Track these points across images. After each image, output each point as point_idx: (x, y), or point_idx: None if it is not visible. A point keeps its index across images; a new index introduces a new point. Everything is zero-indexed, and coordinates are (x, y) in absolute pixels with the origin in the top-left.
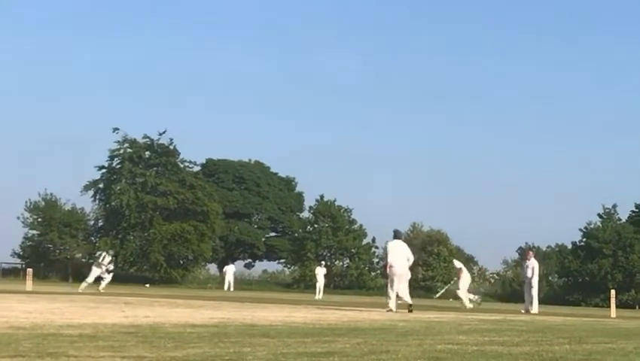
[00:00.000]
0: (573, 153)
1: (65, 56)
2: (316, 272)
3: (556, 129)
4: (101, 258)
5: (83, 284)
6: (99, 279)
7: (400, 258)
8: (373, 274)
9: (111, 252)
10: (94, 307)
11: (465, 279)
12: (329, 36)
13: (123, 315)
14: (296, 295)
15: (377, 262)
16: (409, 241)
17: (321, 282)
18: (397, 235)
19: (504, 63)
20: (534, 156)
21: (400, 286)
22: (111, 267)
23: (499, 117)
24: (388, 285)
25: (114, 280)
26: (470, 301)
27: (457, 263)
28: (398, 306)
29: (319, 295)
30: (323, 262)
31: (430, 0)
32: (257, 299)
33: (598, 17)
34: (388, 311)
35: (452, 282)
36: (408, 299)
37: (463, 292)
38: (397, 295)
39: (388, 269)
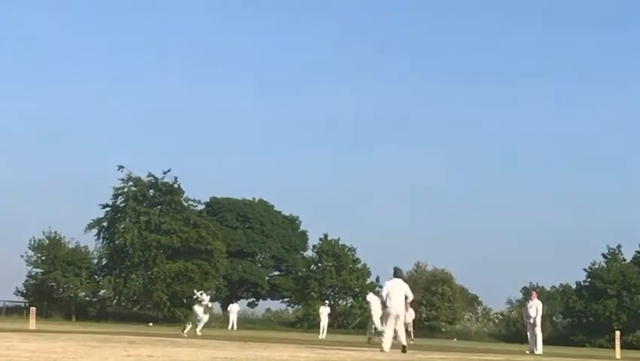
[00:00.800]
0: (578, 193)
1: (72, 94)
2: (320, 311)
3: (561, 169)
4: (201, 297)
5: (189, 326)
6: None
7: (397, 297)
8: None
9: (209, 292)
10: (97, 346)
11: (376, 310)
12: (331, 77)
13: (126, 354)
14: (299, 334)
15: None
16: (413, 280)
17: (324, 321)
18: (396, 273)
19: (505, 102)
20: (540, 196)
21: (397, 325)
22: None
23: (503, 156)
24: (384, 324)
25: (117, 320)
26: (370, 332)
27: (368, 297)
28: (393, 346)
29: (323, 334)
30: (327, 302)
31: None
32: (260, 338)
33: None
34: (381, 351)
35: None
36: (403, 340)
37: (377, 322)
38: (394, 335)
39: (384, 308)
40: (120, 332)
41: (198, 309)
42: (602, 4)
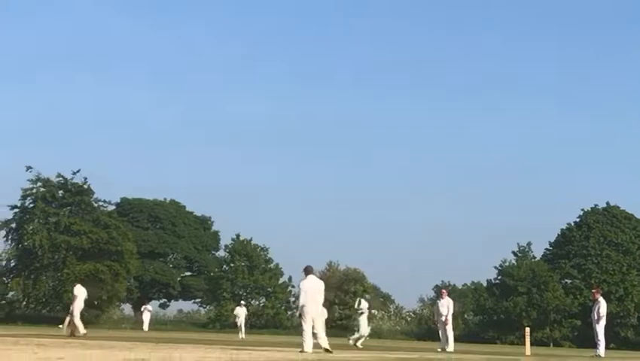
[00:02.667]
0: (489, 192)
1: None
2: (236, 312)
3: (472, 169)
4: (359, 305)
5: (356, 335)
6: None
7: (314, 297)
8: (289, 313)
9: (367, 296)
10: (5, 348)
11: (78, 303)
12: (235, 82)
13: (35, 357)
14: (212, 335)
15: (294, 301)
16: (325, 280)
17: (242, 321)
18: (309, 271)
19: (417, 103)
20: (451, 195)
21: (317, 325)
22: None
23: (415, 155)
24: (303, 325)
25: (26, 322)
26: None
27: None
28: (314, 345)
29: (242, 334)
30: (243, 302)
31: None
32: (172, 339)
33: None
34: (301, 352)
35: None
36: (325, 343)
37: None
38: (314, 335)
39: (301, 309)
40: (29, 334)
41: (363, 319)
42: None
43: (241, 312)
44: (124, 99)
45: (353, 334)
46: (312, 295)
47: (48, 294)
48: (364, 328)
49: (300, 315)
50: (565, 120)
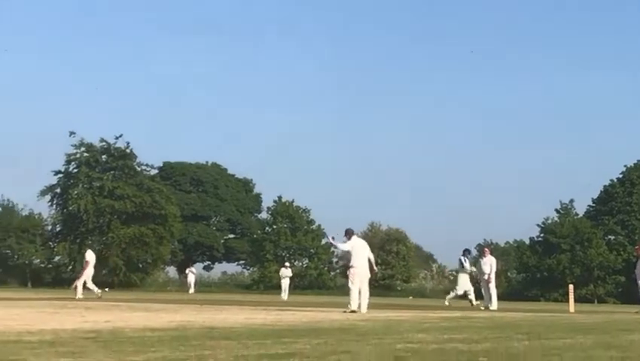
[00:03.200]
0: (531, 149)
1: (23, 59)
2: (281, 273)
3: (514, 127)
4: (465, 261)
5: (452, 294)
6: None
7: (362, 258)
8: (332, 273)
9: (469, 255)
10: (54, 312)
11: (90, 269)
12: (276, 31)
13: (82, 320)
14: (256, 296)
15: (336, 262)
16: (368, 240)
17: (286, 283)
18: (351, 233)
19: (461, 63)
20: (493, 153)
21: (363, 286)
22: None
23: (455, 114)
24: (351, 285)
25: (71, 284)
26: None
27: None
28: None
29: (285, 295)
30: (287, 263)
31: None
32: (216, 301)
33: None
34: (350, 312)
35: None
36: (365, 305)
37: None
38: (359, 296)
39: (350, 270)
40: (76, 298)
41: (463, 277)
42: None
43: (286, 273)
44: (164, 60)
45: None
46: (360, 256)
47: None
48: (462, 286)
49: (347, 275)
50: (610, 74)
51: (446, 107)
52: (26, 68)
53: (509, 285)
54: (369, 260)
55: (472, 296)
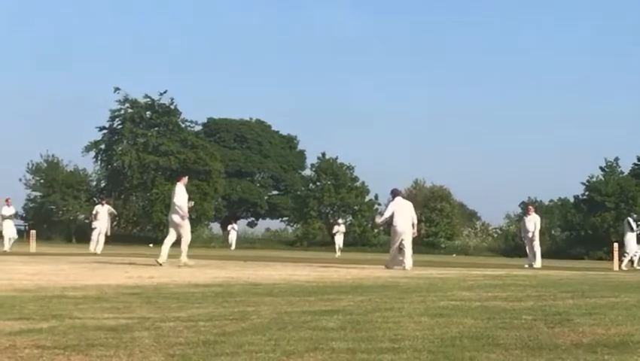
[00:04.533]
0: (575, 106)
1: (65, 17)
2: (334, 230)
3: (558, 83)
4: (629, 225)
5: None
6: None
7: (405, 218)
8: (375, 230)
9: (634, 215)
10: (98, 268)
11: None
12: None
13: (126, 276)
14: (299, 253)
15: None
16: (412, 198)
17: (340, 239)
18: (397, 194)
19: (503, 20)
20: (536, 111)
21: (406, 244)
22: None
23: (500, 72)
24: (392, 244)
25: (116, 241)
26: None
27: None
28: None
29: (339, 252)
30: (341, 220)
31: None
32: (260, 257)
33: None
34: (386, 268)
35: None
36: (407, 262)
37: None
38: (402, 253)
39: (393, 228)
40: (120, 254)
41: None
42: None
43: (341, 230)
44: (208, 15)
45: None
46: (401, 215)
47: (138, 213)
48: (633, 247)
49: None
50: None
51: (487, 65)
52: (71, 26)
53: (553, 243)
54: (412, 220)
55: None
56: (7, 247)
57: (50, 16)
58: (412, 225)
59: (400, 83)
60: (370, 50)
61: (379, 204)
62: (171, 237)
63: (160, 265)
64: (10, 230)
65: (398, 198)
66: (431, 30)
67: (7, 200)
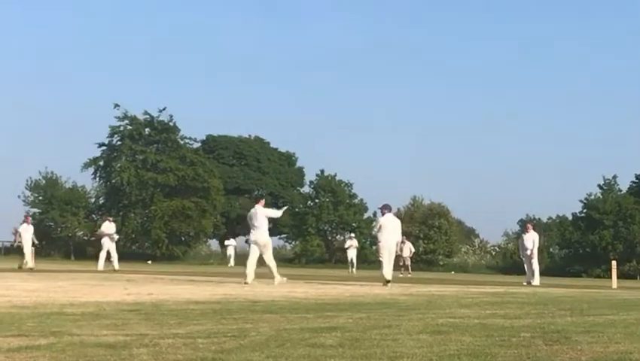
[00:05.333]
0: (573, 124)
1: (65, 33)
2: (347, 245)
3: (556, 100)
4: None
5: None
6: None
7: (388, 233)
8: (374, 248)
9: None
10: (97, 285)
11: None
12: (328, 8)
13: (125, 293)
14: (297, 270)
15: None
16: (410, 215)
17: (353, 254)
18: (388, 209)
19: (501, 33)
20: (535, 128)
21: (391, 259)
22: None
23: (498, 89)
24: (381, 258)
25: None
26: None
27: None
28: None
29: (353, 269)
30: (353, 235)
31: None
32: (258, 275)
33: None
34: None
35: None
36: (389, 275)
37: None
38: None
39: (380, 243)
40: (119, 271)
41: None
42: None
43: (351, 245)
44: (206, 33)
45: None
46: (387, 231)
47: (137, 230)
48: None
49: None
50: None
51: (486, 80)
52: (71, 42)
53: (551, 260)
54: (396, 239)
55: None
56: (31, 263)
57: (50, 31)
58: (396, 243)
59: (399, 100)
60: (368, 66)
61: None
62: (254, 257)
63: (247, 283)
64: (29, 247)
65: (387, 215)
66: (429, 47)
67: (26, 218)
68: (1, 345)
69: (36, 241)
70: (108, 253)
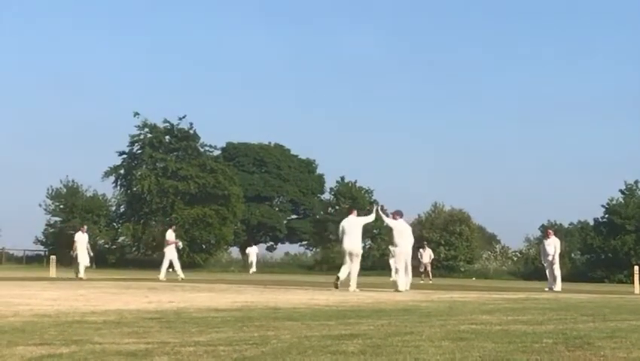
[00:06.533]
0: (594, 129)
1: (85, 41)
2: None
3: (577, 105)
4: None
5: None
6: None
7: (405, 238)
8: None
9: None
10: (118, 293)
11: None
12: (347, 16)
13: (146, 301)
14: (319, 277)
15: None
16: (430, 221)
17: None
18: (399, 215)
19: (521, 41)
20: (556, 133)
21: (406, 270)
22: None
23: (519, 94)
24: (397, 264)
25: (137, 266)
26: None
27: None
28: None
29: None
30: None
31: None
32: (279, 282)
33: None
34: (396, 291)
35: None
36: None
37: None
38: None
39: (395, 249)
40: (140, 279)
41: None
42: None
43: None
44: (227, 41)
45: None
46: (406, 237)
47: (157, 238)
48: None
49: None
50: None
51: (507, 85)
52: (92, 49)
53: (573, 266)
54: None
55: None
56: (82, 273)
57: (69, 40)
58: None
59: (419, 106)
60: (388, 72)
61: (381, 217)
62: (352, 266)
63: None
64: (84, 257)
65: (399, 220)
66: (449, 52)
67: (81, 227)
68: (23, 354)
69: (91, 253)
70: (170, 262)
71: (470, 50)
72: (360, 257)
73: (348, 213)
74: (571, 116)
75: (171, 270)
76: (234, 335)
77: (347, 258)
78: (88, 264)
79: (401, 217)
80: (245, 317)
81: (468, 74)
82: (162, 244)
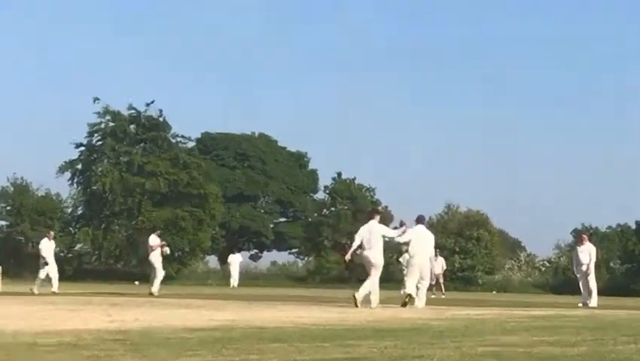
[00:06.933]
0: (635, 122)
1: (41, 18)
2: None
3: (615, 101)
4: None
5: None
6: None
7: (424, 247)
8: (401, 259)
9: None
10: (75, 310)
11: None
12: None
13: (109, 319)
14: (311, 290)
15: (406, 250)
16: (443, 224)
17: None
18: (420, 221)
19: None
20: (591, 125)
21: (424, 276)
22: None
23: (543, 83)
24: (410, 276)
25: (96, 278)
26: None
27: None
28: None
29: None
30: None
31: None
32: (265, 297)
33: None
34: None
35: None
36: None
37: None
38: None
39: (412, 259)
40: (101, 293)
41: None
42: None
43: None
44: (206, 19)
45: None
46: (422, 245)
47: (121, 245)
48: None
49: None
50: None
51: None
52: (45, 28)
53: (611, 277)
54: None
55: None
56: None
57: (25, 16)
58: (430, 259)
59: (427, 91)
60: (395, 60)
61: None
62: (372, 278)
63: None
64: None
65: (419, 226)
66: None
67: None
68: None
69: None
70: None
71: (484, 44)
72: (380, 270)
73: (369, 217)
74: (613, 108)
75: (138, 283)
76: (212, 358)
77: (369, 267)
78: (57, 275)
79: (422, 223)
80: (224, 337)
81: (489, 67)
82: (127, 251)
